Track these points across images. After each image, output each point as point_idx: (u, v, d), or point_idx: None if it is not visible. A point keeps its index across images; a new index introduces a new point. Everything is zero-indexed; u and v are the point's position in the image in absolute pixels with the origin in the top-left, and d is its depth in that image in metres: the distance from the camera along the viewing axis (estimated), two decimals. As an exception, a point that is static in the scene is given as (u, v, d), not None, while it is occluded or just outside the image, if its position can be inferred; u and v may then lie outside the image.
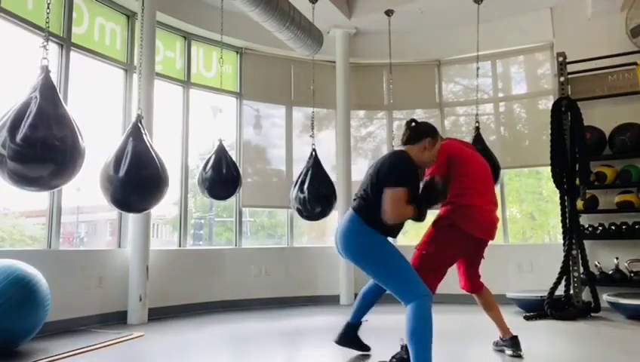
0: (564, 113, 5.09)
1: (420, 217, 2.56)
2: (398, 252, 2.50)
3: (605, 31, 5.59)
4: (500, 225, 3.27)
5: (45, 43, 2.94)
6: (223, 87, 5.89)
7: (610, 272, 5.07)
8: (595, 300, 4.76)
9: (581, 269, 4.88)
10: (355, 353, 3.26)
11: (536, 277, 5.54)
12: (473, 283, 3.23)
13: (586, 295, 4.93)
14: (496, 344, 3.33)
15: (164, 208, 5.61)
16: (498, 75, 6.46)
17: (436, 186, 2.62)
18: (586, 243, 5.03)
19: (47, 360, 3.13)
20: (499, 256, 5.35)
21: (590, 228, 5.21)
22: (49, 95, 2.87)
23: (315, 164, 5.13)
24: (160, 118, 5.19)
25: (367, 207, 2.53)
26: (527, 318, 4.62)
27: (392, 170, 2.52)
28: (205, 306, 5.45)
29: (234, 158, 5.05)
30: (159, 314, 4.96)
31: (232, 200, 5.31)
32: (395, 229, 2.62)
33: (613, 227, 5.12)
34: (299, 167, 5.85)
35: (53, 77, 3.03)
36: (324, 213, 5.09)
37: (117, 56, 5.13)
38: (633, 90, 5.26)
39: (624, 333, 3.89)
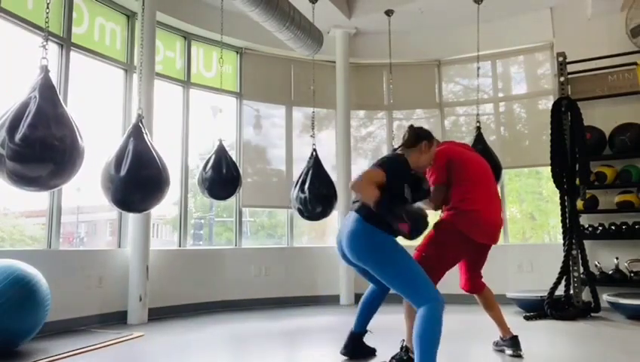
0: (564, 113, 5.08)
1: (376, 206, 2.42)
2: (408, 253, 2.49)
3: (605, 31, 5.59)
4: (500, 225, 3.26)
5: (45, 43, 2.94)
6: (223, 87, 5.89)
7: (610, 272, 5.06)
8: (595, 300, 4.76)
9: (581, 269, 4.88)
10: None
11: (536, 277, 5.54)
12: (474, 284, 3.22)
13: (586, 295, 4.93)
14: (496, 344, 3.32)
15: (164, 208, 5.61)
16: (498, 75, 6.46)
17: (417, 212, 2.44)
18: (586, 243, 5.02)
19: (47, 360, 3.13)
20: (499, 256, 5.35)
21: (590, 228, 5.21)
22: (48, 95, 2.86)
23: (315, 164, 5.12)
24: (160, 118, 5.19)
25: (368, 206, 2.52)
26: (527, 318, 4.62)
27: (383, 159, 2.66)
28: (205, 306, 5.45)
29: (234, 158, 5.05)
30: (159, 314, 4.96)
31: (232, 200, 5.31)
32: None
33: (613, 227, 5.12)
34: (299, 167, 5.85)
35: (53, 77, 3.03)
36: (324, 213, 5.09)
37: (117, 56, 5.13)
38: (633, 90, 5.26)
39: (624, 333, 3.89)
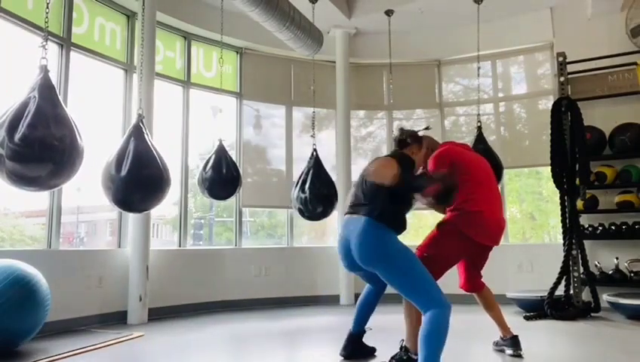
0: (564, 113, 5.08)
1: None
2: (416, 257, 2.49)
3: (605, 31, 5.59)
4: (500, 225, 3.25)
5: (44, 43, 2.94)
6: (223, 87, 5.89)
7: (610, 272, 5.06)
8: (595, 300, 4.76)
9: (581, 269, 4.88)
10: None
11: (536, 277, 5.54)
12: (473, 283, 3.21)
13: (586, 295, 4.93)
14: (496, 344, 3.32)
15: (164, 208, 5.61)
16: (498, 75, 6.46)
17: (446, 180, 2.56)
18: (586, 243, 5.02)
19: (47, 360, 3.13)
20: (499, 256, 5.32)
21: (590, 228, 5.21)
22: (48, 95, 2.86)
23: (316, 164, 5.12)
24: (160, 118, 5.19)
25: (373, 207, 2.51)
26: (527, 318, 4.62)
27: (392, 152, 2.78)
28: (205, 306, 5.45)
29: (234, 158, 5.05)
30: (159, 314, 4.96)
31: (232, 200, 5.31)
32: (403, 224, 2.59)
33: (613, 227, 5.12)
34: (299, 167, 5.85)
35: (53, 77, 3.03)
36: (325, 213, 5.09)
37: (117, 56, 5.13)
38: (633, 90, 5.26)
39: (624, 333, 3.89)
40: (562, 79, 5.24)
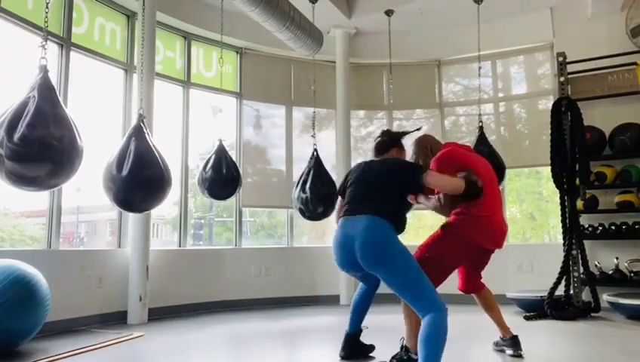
0: (564, 113, 5.08)
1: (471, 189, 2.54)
2: (415, 260, 2.49)
3: (605, 31, 5.59)
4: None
5: (44, 42, 2.93)
6: (223, 87, 5.89)
7: (610, 272, 5.06)
8: (595, 300, 4.75)
9: (581, 269, 4.88)
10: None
11: (536, 277, 5.54)
12: (473, 284, 3.20)
13: (586, 295, 4.93)
14: (496, 344, 3.32)
15: (164, 208, 5.60)
16: (498, 75, 6.46)
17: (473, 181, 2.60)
18: (586, 243, 5.02)
19: (47, 360, 3.13)
20: (499, 256, 5.32)
21: (590, 228, 5.21)
22: (47, 94, 2.86)
23: (316, 164, 5.12)
24: (160, 118, 5.19)
25: (386, 208, 2.52)
26: (527, 318, 4.62)
27: (409, 163, 2.75)
28: (205, 306, 5.45)
29: (234, 158, 5.05)
30: (159, 314, 4.96)
31: (232, 200, 5.31)
32: (405, 225, 2.62)
33: (613, 227, 5.12)
34: (299, 167, 5.85)
35: (53, 77, 3.02)
36: (326, 213, 5.08)
37: (117, 56, 5.13)
38: (633, 90, 5.26)
39: (624, 333, 3.89)
40: (562, 79, 5.24)
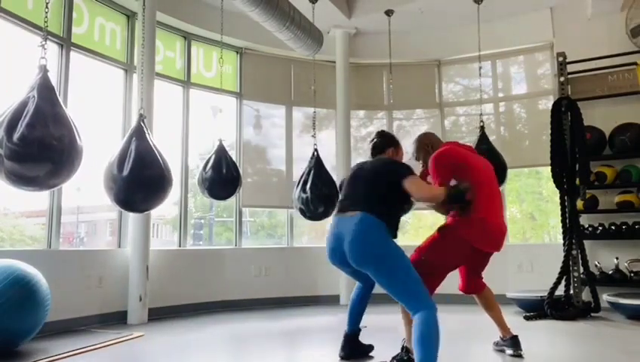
0: (564, 113, 5.08)
1: (452, 199, 2.67)
2: (407, 258, 2.50)
3: (605, 31, 5.59)
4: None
5: (44, 42, 2.93)
6: (223, 87, 5.89)
7: (610, 272, 5.06)
8: (595, 300, 4.75)
9: (581, 269, 4.88)
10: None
11: (536, 277, 5.54)
12: (475, 284, 3.19)
13: (586, 295, 4.93)
14: (496, 344, 3.32)
15: (164, 208, 5.60)
16: (498, 75, 6.46)
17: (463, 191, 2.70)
18: (586, 243, 5.02)
19: (47, 360, 3.13)
20: (499, 256, 5.31)
21: (590, 228, 5.21)
22: (47, 94, 2.86)
23: (317, 164, 5.12)
24: (160, 118, 5.19)
25: (380, 207, 2.53)
26: (527, 318, 4.62)
27: (400, 165, 2.70)
28: (205, 306, 5.45)
29: (234, 158, 5.05)
30: (159, 314, 4.96)
31: (232, 200, 5.31)
32: (397, 227, 2.64)
33: (613, 227, 5.11)
34: (299, 167, 5.85)
35: (53, 77, 3.02)
36: (326, 213, 5.07)
37: (117, 56, 5.13)
38: (633, 90, 5.26)
39: (624, 333, 3.89)
40: (562, 79, 5.24)
